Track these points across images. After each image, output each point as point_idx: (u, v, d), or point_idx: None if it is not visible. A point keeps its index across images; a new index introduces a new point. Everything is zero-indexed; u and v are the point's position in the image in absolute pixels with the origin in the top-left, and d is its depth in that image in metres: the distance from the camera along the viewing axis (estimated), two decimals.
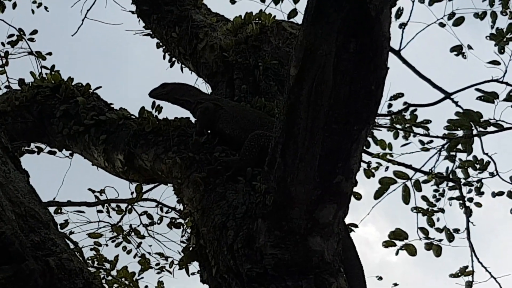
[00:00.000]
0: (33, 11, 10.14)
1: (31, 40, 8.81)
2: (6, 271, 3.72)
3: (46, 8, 10.16)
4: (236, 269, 4.17)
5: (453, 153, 7.23)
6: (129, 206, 8.24)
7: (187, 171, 4.85)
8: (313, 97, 3.90)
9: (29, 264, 3.76)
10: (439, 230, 7.26)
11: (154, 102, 5.70)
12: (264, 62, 5.73)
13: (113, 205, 8.26)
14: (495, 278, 7.22)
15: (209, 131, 5.04)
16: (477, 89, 6.60)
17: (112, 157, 5.46)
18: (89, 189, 8.08)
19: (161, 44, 7.00)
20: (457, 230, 7.32)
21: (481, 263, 7.32)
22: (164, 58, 7.16)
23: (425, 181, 7.35)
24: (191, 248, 4.80)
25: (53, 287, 3.74)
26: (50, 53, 8.65)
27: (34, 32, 8.87)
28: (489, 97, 6.43)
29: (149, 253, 8.32)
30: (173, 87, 5.50)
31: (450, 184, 7.56)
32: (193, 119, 5.32)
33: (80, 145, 5.74)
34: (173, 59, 6.95)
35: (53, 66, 7.95)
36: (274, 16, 6.56)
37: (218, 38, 6.12)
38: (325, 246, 4.13)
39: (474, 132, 6.76)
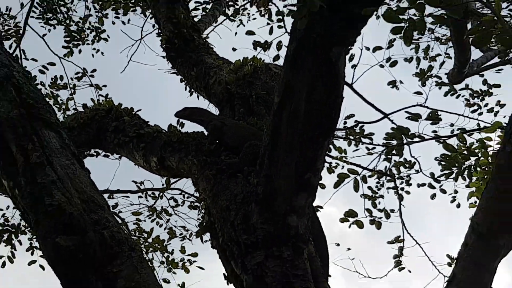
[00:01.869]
0: (93, 55, 10.19)
1: (92, 76, 8.86)
2: (74, 240, 3.72)
3: (102, 53, 10.19)
4: (236, 238, 4.16)
5: (390, 156, 7.26)
6: (161, 193, 8.26)
7: (202, 169, 4.84)
8: (291, 118, 3.89)
9: (90, 235, 3.75)
10: (380, 210, 7.28)
11: (178, 120, 5.71)
12: (256, 93, 5.71)
13: (150, 192, 8.31)
14: (419, 244, 7.25)
15: (217, 141, 5.03)
16: (406, 111, 6.68)
17: (149, 159, 5.45)
18: (133, 181, 8.12)
19: (183, 79, 6.99)
20: (392, 211, 7.33)
21: (409, 234, 7.37)
22: (185, 89, 7.17)
23: (370, 176, 7.37)
24: (204, 223, 4.80)
25: (107, 252, 3.73)
26: (105, 85, 8.75)
27: (94, 70, 8.94)
28: (415, 117, 6.48)
29: (175, 226, 8.36)
30: (192, 110, 5.50)
31: (388, 178, 7.57)
32: (205, 133, 5.32)
33: (126, 151, 5.73)
34: (192, 90, 6.96)
35: (107, 94, 8.06)
36: (263, 60, 6.58)
37: (224, 75, 6.10)
38: (299, 223, 4.11)
39: (404, 141, 6.79)
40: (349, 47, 3.92)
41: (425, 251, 7.18)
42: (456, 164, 6.11)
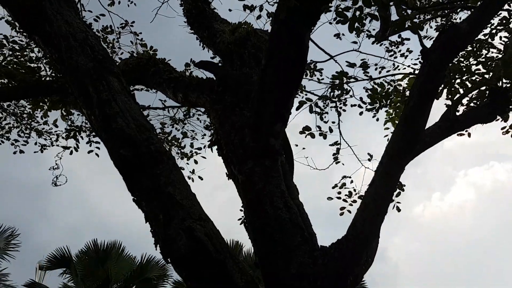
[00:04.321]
0: (128, 5, 9.22)
1: (131, 25, 8.14)
2: (131, 151, 3.86)
3: (135, 4, 9.51)
4: (235, 152, 4.31)
5: (335, 89, 7.27)
6: (178, 108, 8.26)
7: (213, 104, 4.90)
8: (273, 73, 4.02)
9: (142, 149, 3.89)
10: (325, 122, 7.33)
11: (198, 69, 5.73)
12: (248, 51, 5.67)
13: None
14: (350, 146, 7.30)
15: (222, 85, 5.04)
16: (346, 61, 6.68)
17: (176, 94, 5.50)
18: (160, 100, 8.13)
19: (199, 39, 6.92)
20: (333, 122, 7.31)
21: (344, 139, 7.39)
22: (200, 45, 7.12)
23: (320, 100, 7.41)
24: (214, 140, 4.94)
25: (153, 159, 3.88)
26: (140, 33, 8.11)
27: (133, 22, 8.19)
28: (351, 65, 6.48)
29: (187, 130, 8.37)
30: (206, 62, 5.53)
31: (332, 101, 7.56)
32: (214, 79, 5.37)
33: (161, 88, 5.79)
34: (204, 46, 6.92)
35: (151, 47, 7.77)
36: (252, 25, 6.58)
37: (226, 37, 6.10)
38: (276, 142, 4.26)
39: (345, 80, 6.88)
40: (312, 27, 4.03)
41: (353, 151, 7.29)
42: (377, 101, 6.27)
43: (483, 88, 4.90)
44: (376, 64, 7.17)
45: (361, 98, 7.33)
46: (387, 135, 6.18)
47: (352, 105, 7.54)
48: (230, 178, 4.73)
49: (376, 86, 6.26)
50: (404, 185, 6.49)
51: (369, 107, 6.47)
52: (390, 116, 5.97)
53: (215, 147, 4.94)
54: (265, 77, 4.13)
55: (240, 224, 5.33)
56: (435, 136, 4.43)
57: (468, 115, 4.68)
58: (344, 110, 7.78)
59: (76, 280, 15.50)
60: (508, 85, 4.67)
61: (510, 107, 4.80)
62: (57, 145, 8.85)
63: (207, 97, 5.06)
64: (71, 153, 8.30)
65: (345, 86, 7.45)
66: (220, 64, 6.02)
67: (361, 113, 7.39)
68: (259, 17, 6.90)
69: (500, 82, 4.93)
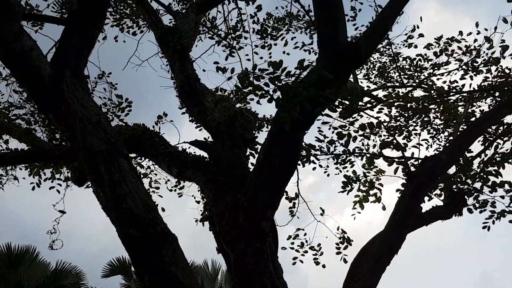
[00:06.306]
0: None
1: (108, 76, 8.01)
2: (140, 232, 4.08)
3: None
4: (229, 231, 4.50)
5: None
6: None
7: (206, 183, 5.11)
8: (268, 168, 4.32)
9: (150, 230, 4.10)
10: None
11: (191, 147, 5.96)
12: (237, 131, 6.01)
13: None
14: (305, 202, 7.26)
15: (216, 166, 5.29)
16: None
17: (171, 169, 5.65)
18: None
19: (188, 113, 7.13)
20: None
21: (300, 195, 7.56)
22: (189, 120, 7.33)
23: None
24: (206, 215, 5.16)
25: (159, 240, 4.09)
26: (116, 83, 7.99)
27: (110, 73, 8.06)
28: None
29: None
30: (199, 142, 5.75)
31: None
32: (207, 157, 5.63)
33: (156, 160, 5.98)
34: (194, 121, 7.13)
35: (127, 98, 7.62)
36: (234, 99, 6.91)
37: (216, 116, 6.38)
38: (266, 226, 4.49)
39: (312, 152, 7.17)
40: (306, 132, 4.41)
41: (308, 206, 7.30)
42: (349, 185, 6.64)
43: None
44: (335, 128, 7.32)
45: (315, 155, 7.66)
46: (353, 214, 6.56)
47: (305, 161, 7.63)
48: (220, 253, 4.98)
49: (351, 174, 6.65)
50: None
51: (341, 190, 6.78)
52: (359, 198, 6.35)
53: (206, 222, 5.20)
54: (261, 170, 4.43)
55: None
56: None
57: (431, 212, 5.16)
58: (299, 164, 8.06)
59: None
60: (466, 188, 5.21)
61: (465, 207, 5.35)
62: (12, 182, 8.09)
63: (202, 176, 5.29)
64: (33, 189, 7.63)
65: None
66: (210, 142, 6.29)
67: (314, 168, 7.58)
68: (230, 78, 7.04)
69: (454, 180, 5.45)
